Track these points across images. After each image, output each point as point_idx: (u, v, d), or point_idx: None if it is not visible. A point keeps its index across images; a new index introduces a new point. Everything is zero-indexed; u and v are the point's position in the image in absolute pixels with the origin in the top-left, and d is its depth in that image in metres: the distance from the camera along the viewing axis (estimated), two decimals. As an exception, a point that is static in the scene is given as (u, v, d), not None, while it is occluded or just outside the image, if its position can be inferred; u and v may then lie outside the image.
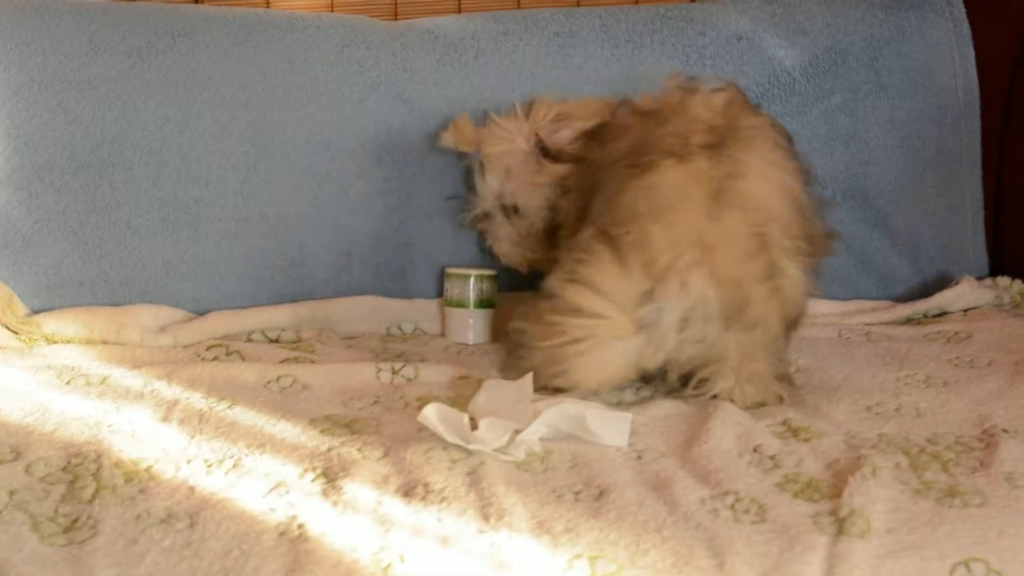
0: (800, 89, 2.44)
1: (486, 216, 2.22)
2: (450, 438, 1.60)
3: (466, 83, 2.34)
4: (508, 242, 2.21)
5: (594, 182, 1.83)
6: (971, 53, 2.51)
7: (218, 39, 2.28)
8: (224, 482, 1.52)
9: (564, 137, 2.08)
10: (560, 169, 2.05)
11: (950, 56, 2.50)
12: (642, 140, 1.79)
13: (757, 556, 1.36)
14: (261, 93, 2.28)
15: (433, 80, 2.34)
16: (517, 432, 1.63)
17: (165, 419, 1.72)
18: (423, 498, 1.48)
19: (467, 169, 2.27)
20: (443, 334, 2.25)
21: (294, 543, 1.38)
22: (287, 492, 1.49)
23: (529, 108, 2.16)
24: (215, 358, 2.03)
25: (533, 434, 1.63)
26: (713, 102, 1.83)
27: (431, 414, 1.62)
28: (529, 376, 1.74)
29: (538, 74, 2.36)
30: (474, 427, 1.63)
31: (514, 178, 2.15)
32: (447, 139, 2.20)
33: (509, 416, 1.66)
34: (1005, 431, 1.68)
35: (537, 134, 2.12)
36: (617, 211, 1.75)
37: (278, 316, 2.21)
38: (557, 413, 1.66)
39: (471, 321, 2.20)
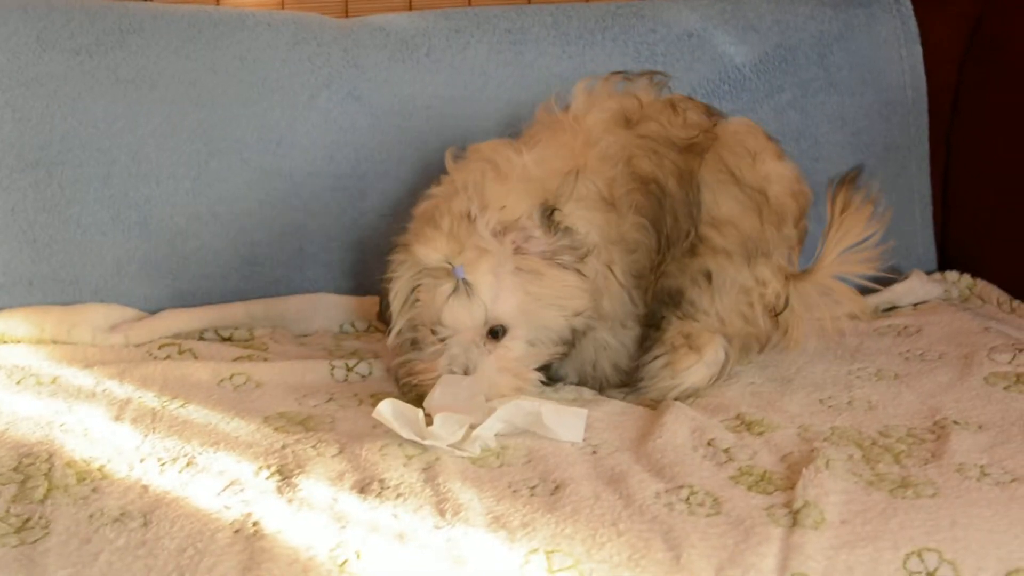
0: (750, 86, 2.45)
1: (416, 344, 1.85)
2: (405, 434, 1.61)
3: (417, 80, 2.33)
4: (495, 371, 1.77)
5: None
6: (919, 50, 2.53)
7: (167, 36, 2.25)
8: (178, 480, 1.51)
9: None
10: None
11: (898, 53, 2.52)
12: None
13: (713, 548, 1.38)
14: (212, 90, 2.26)
15: (384, 77, 2.33)
16: (472, 427, 1.63)
17: (118, 418, 1.71)
18: (379, 494, 1.48)
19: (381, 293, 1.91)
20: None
21: (249, 541, 1.38)
22: (242, 490, 1.49)
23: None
24: (167, 357, 2.01)
25: (489, 430, 1.64)
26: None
27: (385, 410, 1.62)
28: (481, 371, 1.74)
29: (489, 71, 2.36)
30: (429, 423, 1.63)
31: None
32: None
33: (464, 411, 1.66)
34: (956, 423, 1.71)
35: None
36: None
37: (231, 314, 2.20)
38: (513, 409, 1.66)
39: (424, 318, 2.19)
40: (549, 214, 1.74)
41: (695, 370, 1.86)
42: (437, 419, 1.62)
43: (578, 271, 1.74)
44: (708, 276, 1.88)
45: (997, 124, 2.46)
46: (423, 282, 1.77)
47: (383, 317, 1.88)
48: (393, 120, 2.32)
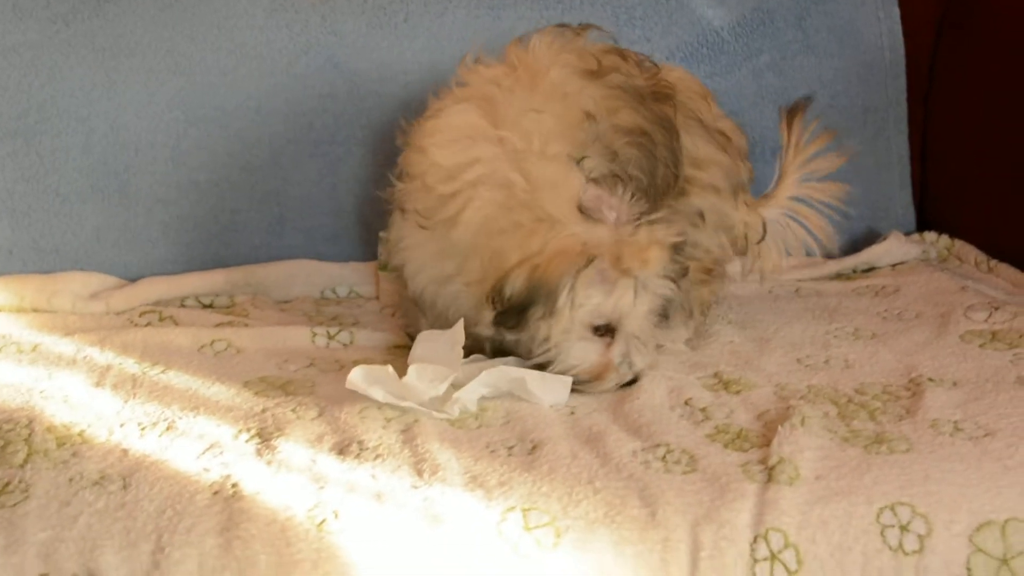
0: (728, 49, 2.45)
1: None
2: (381, 397, 1.61)
3: (396, 46, 2.33)
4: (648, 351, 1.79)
5: None
6: (896, 12, 2.53)
7: (145, 4, 2.24)
8: (158, 444, 1.52)
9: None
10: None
11: (876, 16, 2.52)
12: None
13: (688, 505, 1.39)
14: (190, 58, 2.25)
15: (363, 44, 2.32)
16: (454, 387, 1.63)
17: (98, 384, 1.72)
18: (357, 455, 1.49)
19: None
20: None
21: (228, 502, 1.39)
22: (221, 453, 1.49)
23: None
24: (148, 324, 2.02)
25: (471, 393, 1.64)
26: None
27: (357, 377, 1.62)
28: (460, 323, 1.73)
29: (468, 37, 2.34)
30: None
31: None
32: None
33: (442, 363, 1.67)
34: (931, 380, 1.72)
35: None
36: None
37: (211, 281, 2.21)
38: (497, 374, 1.67)
39: (405, 284, 2.20)
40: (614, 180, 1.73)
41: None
42: (411, 370, 1.63)
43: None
44: (701, 215, 1.94)
45: (974, 85, 2.47)
46: (594, 282, 1.67)
47: (511, 320, 1.68)
48: (371, 87, 2.32)
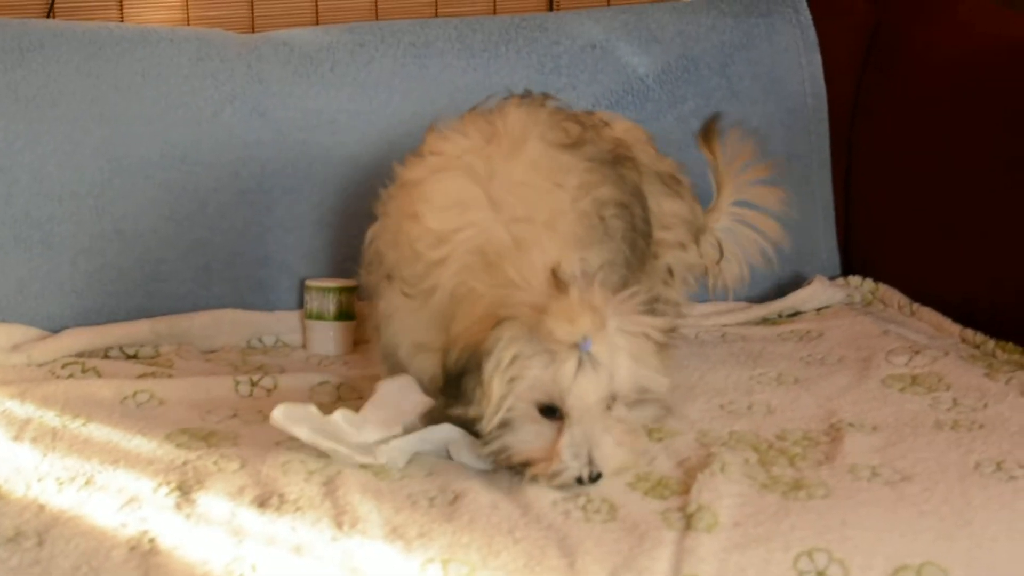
0: (654, 96, 2.48)
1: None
2: (305, 436, 1.60)
3: (322, 95, 2.33)
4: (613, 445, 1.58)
5: None
6: (818, 59, 2.57)
7: (69, 53, 2.24)
8: (76, 499, 1.51)
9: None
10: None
11: (798, 62, 2.55)
12: None
13: (607, 554, 1.39)
14: (114, 107, 2.25)
15: (289, 92, 2.33)
16: (388, 438, 1.62)
17: (17, 438, 1.70)
18: (278, 508, 1.48)
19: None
20: (304, 346, 2.25)
21: (145, 557, 1.38)
22: (140, 507, 1.48)
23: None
24: (71, 375, 2.00)
25: (408, 445, 1.62)
26: None
27: (281, 415, 1.61)
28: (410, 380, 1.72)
29: (394, 85, 2.36)
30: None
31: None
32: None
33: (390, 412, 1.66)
34: (851, 425, 1.74)
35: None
36: None
37: (136, 332, 2.19)
38: (440, 432, 1.65)
39: (331, 333, 2.20)
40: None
41: None
42: (338, 413, 1.62)
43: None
44: (670, 271, 1.98)
45: (895, 130, 2.50)
46: (528, 352, 1.52)
47: (452, 391, 1.59)
48: (298, 135, 2.32)
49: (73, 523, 1.45)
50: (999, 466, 1.55)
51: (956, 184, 2.31)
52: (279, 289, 2.33)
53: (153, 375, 2.00)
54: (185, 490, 1.52)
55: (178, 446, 1.68)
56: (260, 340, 2.26)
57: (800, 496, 1.49)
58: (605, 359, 1.51)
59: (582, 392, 1.51)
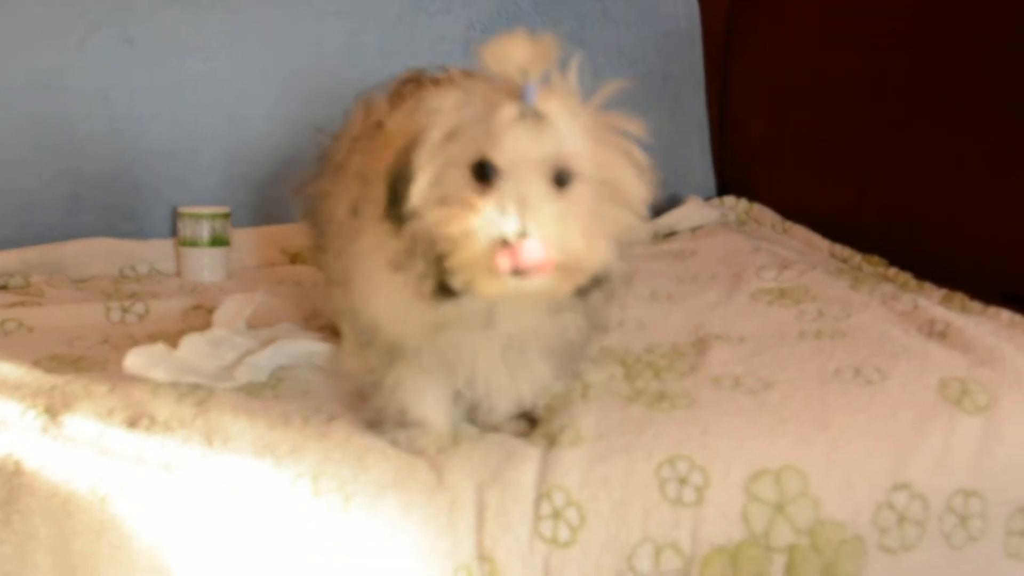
0: (528, 19, 2.48)
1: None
2: (163, 377, 1.58)
3: (191, 21, 2.30)
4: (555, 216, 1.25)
5: None
6: (692, -19, 2.59)
7: (-73, -20, 2.20)
8: (-62, 425, 1.49)
9: None
10: None
11: (671, -16, 2.58)
12: None
13: (475, 469, 1.40)
14: (-24, 35, 2.21)
15: (157, 19, 2.29)
16: (243, 356, 1.63)
17: None
18: (148, 428, 1.47)
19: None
20: (179, 274, 2.23)
21: (9, 478, 1.37)
22: (5, 430, 1.46)
23: None
24: (-62, 306, 1.97)
25: (267, 361, 1.63)
26: None
27: (134, 361, 1.59)
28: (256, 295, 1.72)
29: (264, 10, 2.34)
30: None
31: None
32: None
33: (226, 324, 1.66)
34: (717, 337, 1.76)
35: None
36: None
37: (5, 262, 2.15)
38: (296, 345, 1.66)
39: (205, 259, 2.19)
40: None
41: None
42: (183, 343, 1.61)
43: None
44: None
45: (767, 51, 2.53)
46: (471, 112, 1.28)
47: (396, 195, 1.31)
48: (168, 61, 2.30)
49: (-65, 449, 1.43)
50: (857, 372, 1.59)
51: (824, 105, 2.36)
52: (152, 217, 2.31)
53: (22, 304, 1.97)
54: (53, 413, 1.50)
55: (47, 371, 1.65)
56: (133, 268, 2.24)
57: (663, 407, 1.51)
58: (554, 115, 1.25)
59: (517, 142, 1.24)
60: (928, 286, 1.96)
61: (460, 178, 1.27)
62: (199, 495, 1.36)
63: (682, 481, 1.39)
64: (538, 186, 1.24)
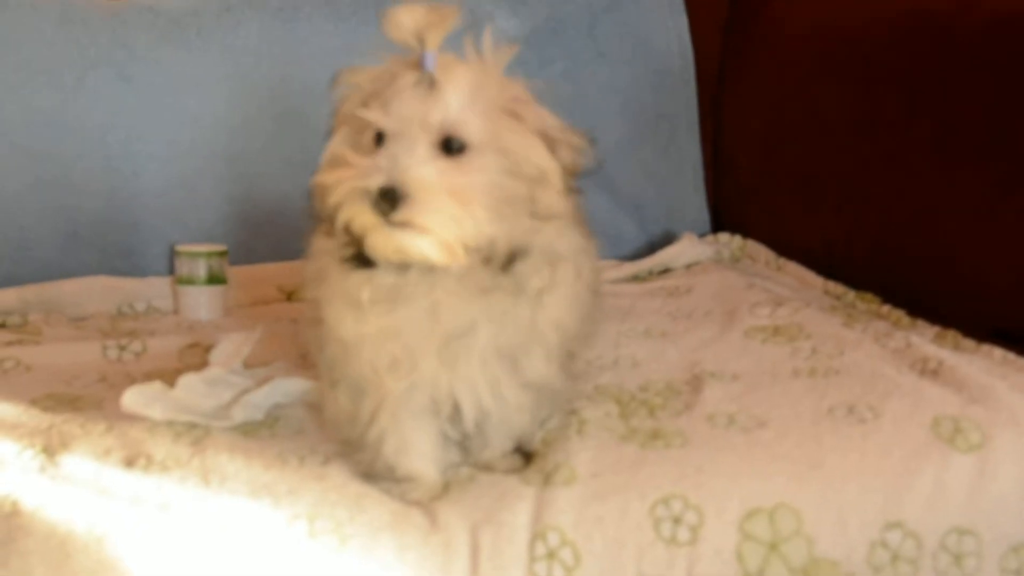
0: (523, 58, 2.46)
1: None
2: (160, 415, 1.59)
3: (188, 60, 2.32)
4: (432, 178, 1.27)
5: None
6: (684, 20, 2.61)
7: (-73, 20, 2.21)
8: (-65, 466, 1.49)
9: None
10: None
11: (664, 23, 2.59)
12: None
13: (469, 510, 1.41)
14: (-25, 73, 2.22)
15: (154, 58, 2.31)
16: (239, 395, 1.63)
17: None
18: (145, 468, 1.48)
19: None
20: (176, 312, 2.24)
21: (7, 519, 1.37)
22: (3, 471, 1.47)
23: None
24: (-64, 346, 1.98)
25: (263, 399, 1.64)
26: None
27: (131, 400, 1.60)
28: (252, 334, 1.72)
29: (262, 49, 2.35)
30: None
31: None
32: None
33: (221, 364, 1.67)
34: (712, 374, 1.77)
35: None
36: None
37: (3, 300, 2.16)
38: (291, 383, 1.67)
39: (203, 298, 2.20)
40: None
41: None
42: (180, 382, 1.62)
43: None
44: None
45: (760, 89, 2.55)
46: (382, 83, 1.30)
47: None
48: (165, 100, 2.31)
49: (-67, 490, 1.44)
50: (851, 410, 1.59)
51: (817, 143, 2.37)
52: (149, 255, 2.32)
53: (20, 342, 1.98)
54: (50, 452, 1.51)
55: (44, 410, 1.66)
56: (131, 306, 2.24)
57: (658, 445, 1.52)
58: (447, 82, 1.27)
59: (403, 106, 1.27)
60: (921, 323, 1.97)
61: (366, 145, 1.30)
62: (196, 535, 1.36)
63: (676, 520, 1.40)
64: (418, 148, 1.26)
